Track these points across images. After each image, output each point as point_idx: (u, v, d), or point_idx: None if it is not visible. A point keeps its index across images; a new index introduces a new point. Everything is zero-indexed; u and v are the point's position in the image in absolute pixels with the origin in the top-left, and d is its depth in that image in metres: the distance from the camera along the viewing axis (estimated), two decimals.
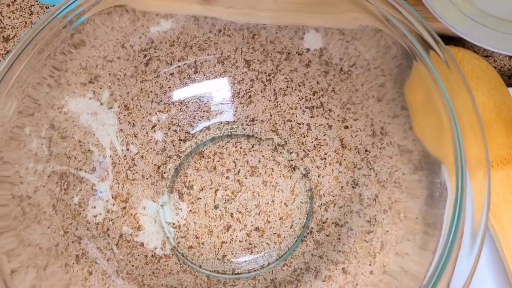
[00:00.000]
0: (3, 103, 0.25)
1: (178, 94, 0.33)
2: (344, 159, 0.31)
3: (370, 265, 0.27)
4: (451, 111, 0.22)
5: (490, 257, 0.27)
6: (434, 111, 0.23)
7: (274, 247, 0.30)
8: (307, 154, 0.32)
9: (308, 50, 0.32)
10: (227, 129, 0.33)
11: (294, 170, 0.32)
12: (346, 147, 0.31)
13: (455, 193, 0.21)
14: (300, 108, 0.33)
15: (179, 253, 0.30)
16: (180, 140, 0.33)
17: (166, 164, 0.32)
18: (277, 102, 0.33)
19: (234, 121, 0.33)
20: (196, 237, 0.30)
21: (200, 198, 0.31)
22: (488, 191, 0.20)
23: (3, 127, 0.25)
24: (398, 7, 0.25)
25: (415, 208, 0.26)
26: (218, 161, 0.32)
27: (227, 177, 0.32)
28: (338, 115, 0.32)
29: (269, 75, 0.33)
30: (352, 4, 0.26)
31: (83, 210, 0.29)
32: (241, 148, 0.32)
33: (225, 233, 0.30)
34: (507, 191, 0.25)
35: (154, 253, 0.30)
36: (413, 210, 0.26)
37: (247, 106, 0.33)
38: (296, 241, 0.30)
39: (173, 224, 0.31)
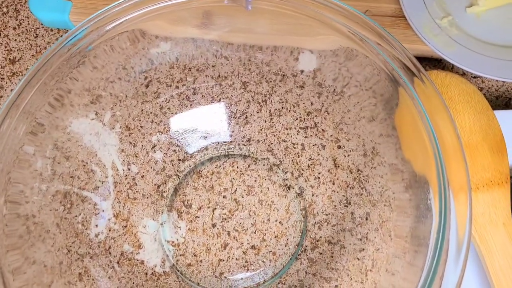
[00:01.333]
0: (13, 127, 0.26)
1: (177, 115, 0.34)
2: (337, 179, 0.32)
3: (362, 282, 0.28)
4: (434, 136, 0.23)
5: (477, 277, 0.27)
6: (418, 136, 0.24)
7: (269, 265, 0.31)
8: (301, 174, 0.33)
9: (302, 71, 0.33)
10: (224, 149, 0.34)
11: (289, 189, 0.33)
12: (339, 167, 0.32)
13: (439, 212, 0.22)
14: (295, 128, 0.34)
15: (178, 270, 0.31)
16: (179, 160, 0.34)
17: (165, 183, 0.33)
18: (273, 122, 0.34)
19: (231, 141, 0.34)
20: (195, 255, 0.32)
21: (198, 217, 0.32)
22: (470, 209, 0.21)
23: (13, 148, 0.26)
24: (380, 33, 0.26)
25: (405, 226, 0.27)
26: (216, 180, 0.33)
27: (224, 196, 0.33)
28: (331, 135, 0.33)
29: (265, 96, 0.34)
30: (332, 29, 0.27)
31: (86, 229, 0.30)
32: (237, 167, 0.34)
33: (222, 251, 0.31)
34: (492, 212, 0.26)
35: (154, 271, 0.31)
36: (403, 228, 0.27)
37: (244, 127, 0.34)
38: (290, 259, 0.31)
39: (172, 242, 0.32)
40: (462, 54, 0.30)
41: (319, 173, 0.33)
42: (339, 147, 0.33)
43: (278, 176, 0.33)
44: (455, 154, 0.23)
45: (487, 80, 0.35)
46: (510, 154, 0.28)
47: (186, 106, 0.34)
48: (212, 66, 0.34)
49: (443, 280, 0.21)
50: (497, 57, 0.31)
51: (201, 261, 0.31)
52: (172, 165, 0.34)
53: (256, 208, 0.32)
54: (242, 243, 0.32)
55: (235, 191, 0.33)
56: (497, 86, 0.35)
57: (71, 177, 0.31)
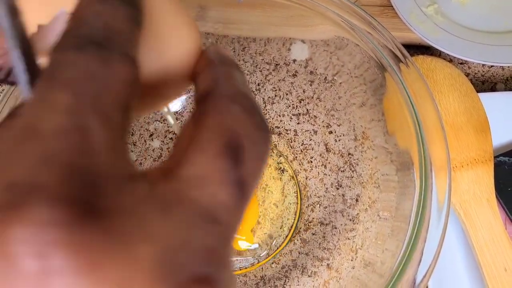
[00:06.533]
0: None
1: (174, 104, 0.35)
2: (329, 162, 0.33)
3: (352, 260, 0.29)
4: (416, 116, 0.24)
5: (463, 253, 0.28)
6: (403, 116, 0.25)
7: (265, 248, 0.32)
8: (295, 157, 0.34)
9: (294, 61, 0.34)
10: None
11: (283, 172, 0.34)
12: (330, 151, 0.33)
13: (420, 184, 0.23)
14: (287, 115, 0.35)
15: None
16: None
17: None
18: (266, 110, 0.35)
19: None
20: None
21: None
22: (449, 178, 0.22)
23: None
24: (370, 22, 0.27)
25: (392, 206, 0.28)
26: None
27: None
28: (323, 121, 0.34)
29: (259, 85, 0.35)
30: (325, 19, 0.28)
31: None
32: None
33: None
34: (477, 189, 0.27)
35: None
36: (390, 208, 0.28)
37: None
38: (285, 240, 0.32)
39: None
40: (447, 40, 0.31)
41: (311, 158, 0.34)
42: (331, 132, 0.34)
43: (273, 159, 0.34)
44: (436, 132, 0.24)
45: (473, 66, 0.36)
46: (493, 134, 0.29)
47: (182, 95, 0.35)
48: None
49: (425, 244, 0.22)
50: (481, 42, 0.32)
51: None
52: (169, 152, 0.35)
53: None
54: None
55: None
56: (483, 71, 0.36)
57: None
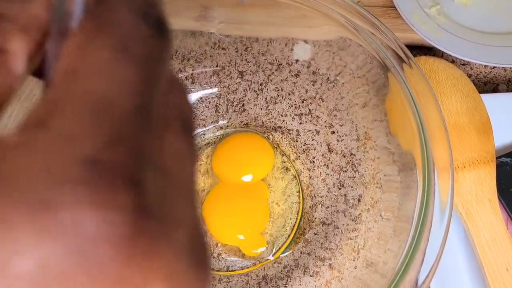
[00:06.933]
0: None
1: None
2: (331, 162, 0.33)
3: (354, 260, 0.29)
4: (419, 117, 0.24)
5: (465, 253, 0.29)
6: (406, 117, 0.25)
7: (267, 247, 0.32)
8: (298, 157, 0.34)
9: (297, 61, 0.34)
10: (221, 134, 0.35)
11: (286, 172, 0.34)
12: (332, 151, 0.33)
13: (423, 184, 0.23)
14: (290, 115, 0.35)
15: None
16: None
17: None
18: (269, 110, 0.35)
19: (227, 126, 0.35)
20: None
21: None
22: (452, 179, 0.22)
23: None
24: (373, 22, 0.27)
25: (394, 206, 0.28)
26: (211, 164, 0.34)
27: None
28: (325, 121, 0.34)
29: (261, 84, 0.35)
30: (328, 19, 0.28)
31: None
32: None
33: None
34: (479, 189, 0.27)
35: None
36: (392, 209, 0.29)
37: (241, 114, 0.35)
38: (287, 240, 0.32)
39: None
40: (449, 40, 0.32)
41: (314, 157, 0.34)
42: (333, 132, 0.34)
43: (276, 158, 0.34)
44: (439, 133, 0.24)
45: (475, 67, 0.36)
46: (496, 135, 0.29)
47: None
48: (210, 56, 0.35)
49: (428, 244, 0.22)
50: (483, 43, 0.32)
51: None
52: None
53: None
54: None
55: None
56: (485, 72, 0.36)
57: None
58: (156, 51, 0.09)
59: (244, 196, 0.31)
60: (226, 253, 0.32)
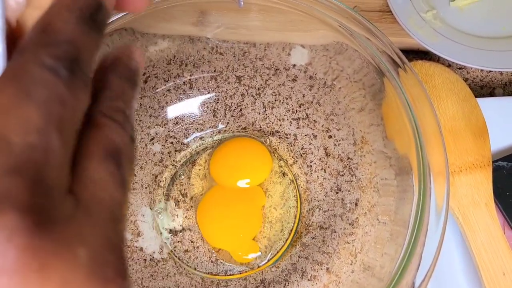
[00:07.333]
0: None
1: (174, 109, 0.35)
2: (328, 167, 0.33)
3: (351, 264, 0.29)
4: (415, 121, 0.24)
5: (462, 257, 0.29)
6: (401, 121, 0.26)
7: (264, 251, 0.32)
8: (295, 161, 0.34)
9: (294, 65, 0.35)
10: (219, 138, 0.35)
11: (284, 176, 0.34)
12: (330, 155, 0.34)
13: (419, 188, 0.23)
14: (287, 119, 0.35)
15: (176, 256, 0.32)
16: (176, 150, 0.35)
17: (162, 173, 0.35)
18: (266, 114, 0.35)
19: (225, 130, 0.36)
20: (192, 242, 0.33)
21: (193, 206, 0.34)
22: (447, 182, 0.22)
23: None
24: (368, 28, 0.27)
25: (391, 210, 0.28)
26: (208, 168, 0.34)
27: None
28: (322, 126, 0.34)
29: (259, 89, 0.35)
30: (323, 24, 0.28)
31: None
32: None
33: None
34: (475, 193, 0.27)
35: (153, 257, 0.32)
36: (389, 212, 0.29)
37: (239, 119, 0.36)
38: (284, 244, 0.32)
39: (170, 229, 0.33)
40: (445, 45, 0.32)
41: (311, 162, 0.34)
42: (330, 136, 0.34)
43: (274, 163, 0.34)
44: (435, 137, 0.24)
45: (472, 71, 0.36)
46: (492, 139, 0.29)
47: (183, 100, 0.35)
48: (208, 61, 0.35)
49: (424, 248, 0.22)
50: (479, 47, 0.32)
51: (197, 248, 0.33)
52: (169, 156, 0.35)
53: None
54: None
55: None
56: (482, 76, 0.36)
57: None
58: (64, 94, 0.10)
59: (238, 200, 0.32)
60: (225, 257, 0.32)
